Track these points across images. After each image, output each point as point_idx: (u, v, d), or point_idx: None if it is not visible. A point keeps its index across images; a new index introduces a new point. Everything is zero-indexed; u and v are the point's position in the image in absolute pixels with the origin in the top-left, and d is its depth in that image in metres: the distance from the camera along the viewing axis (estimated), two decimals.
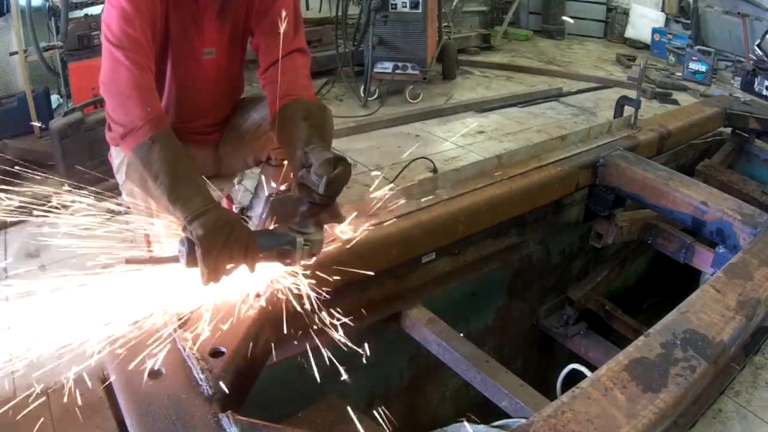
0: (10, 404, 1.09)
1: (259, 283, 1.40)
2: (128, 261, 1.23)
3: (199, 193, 1.27)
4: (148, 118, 1.33)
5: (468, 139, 4.02)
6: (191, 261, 1.20)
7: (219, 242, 1.20)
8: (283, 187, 1.53)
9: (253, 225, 1.51)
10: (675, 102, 4.84)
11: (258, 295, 1.38)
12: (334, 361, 1.72)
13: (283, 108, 1.54)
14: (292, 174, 1.45)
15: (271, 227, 1.38)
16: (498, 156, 2.14)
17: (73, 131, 3.00)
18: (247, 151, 1.86)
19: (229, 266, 1.23)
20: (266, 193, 1.52)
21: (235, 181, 2.10)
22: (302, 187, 1.36)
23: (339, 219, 1.44)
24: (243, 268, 1.27)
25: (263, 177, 1.93)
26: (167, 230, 1.50)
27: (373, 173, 1.73)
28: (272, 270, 1.40)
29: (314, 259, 1.39)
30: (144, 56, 1.40)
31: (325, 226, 1.42)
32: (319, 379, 1.69)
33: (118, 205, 1.53)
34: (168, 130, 1.37)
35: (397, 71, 4.44)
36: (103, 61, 1.41)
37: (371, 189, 1.73)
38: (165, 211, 1.30)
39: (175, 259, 1.24)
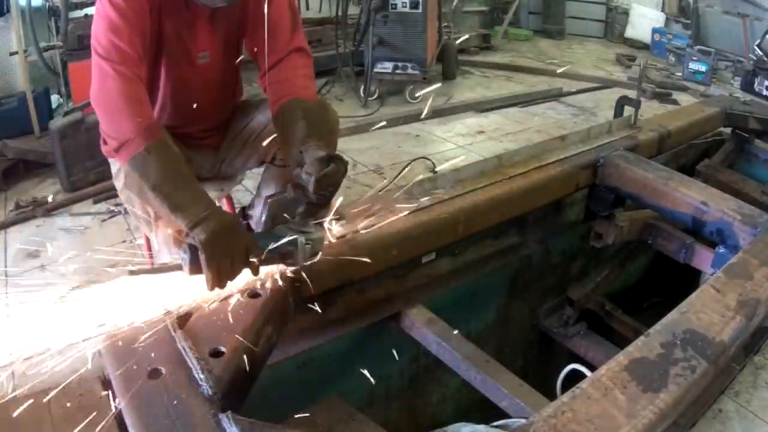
0: (9, 403, 1.09)
1: (256, 283, 1.40)
2: (132, 272, 1.23)
3: (199, 200, 1.28)
4: (140, 129, 1.32)
5: (468, 139, 4.03)
6: (194, 268, 1.21)
7: (221, 247, 1.21)
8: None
9: (255, 225, 1.51)
10: (675, 102, 4.84)
11: (256, 295, 1.38)
12: (335, 361, 1.73)
13: (282, 108, 1.54)
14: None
15: (271, 228, 1.38)
16: (498, 156, 2.14)
17: (73, 131, 3.01)
18: (251, 153, 1.86)
19: (233, 270, 1.24)
20: (265, 194, 1.52)
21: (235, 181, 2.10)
22: (297, 187, 1.36)
23: (339, 216, 1.44)
24: (247, 271, 1.27)
25: (266, 178, 1.93)
26: (165, 235, 1.51)
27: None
28: (272, 270, 1.40)
29: (317, 257, 1.39)
30: (133, 67, 1.39)
31: (326, 224, 1.41)
32: (319, 379, 1.69)
33: (116, 206, 1.53)
34: (162, 138, 1.35)
35: (397, 71, 4.44)
36: (93, 73, 1.40)
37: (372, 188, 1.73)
38: (165, 219, 1.30)
39: (178, 267, 1.24)
